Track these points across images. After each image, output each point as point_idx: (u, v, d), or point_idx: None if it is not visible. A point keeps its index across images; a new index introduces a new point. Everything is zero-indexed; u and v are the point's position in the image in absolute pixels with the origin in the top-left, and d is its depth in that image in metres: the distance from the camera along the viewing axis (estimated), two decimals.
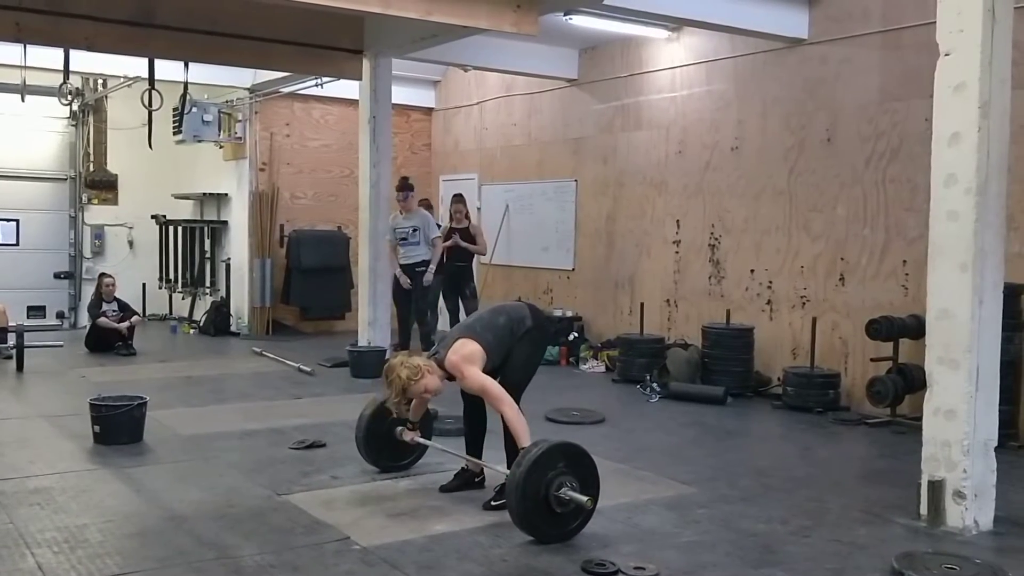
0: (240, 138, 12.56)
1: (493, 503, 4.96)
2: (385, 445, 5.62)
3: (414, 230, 9.91)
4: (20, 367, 9.34)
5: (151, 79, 9.20)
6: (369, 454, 5.68)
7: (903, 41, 7.74)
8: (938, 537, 4.67)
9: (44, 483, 5.37)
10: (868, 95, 8.05)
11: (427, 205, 11.20)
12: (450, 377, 5.03)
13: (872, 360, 7.73)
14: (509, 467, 5.02)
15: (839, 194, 8.29)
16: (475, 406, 5.34)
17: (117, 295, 11.19)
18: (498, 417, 4.93)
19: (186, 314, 13.63)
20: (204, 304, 13.33)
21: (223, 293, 13.08)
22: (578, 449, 4.65)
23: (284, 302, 12.69)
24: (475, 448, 5.40)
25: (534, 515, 4.43)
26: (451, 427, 6.53)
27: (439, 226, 10.57)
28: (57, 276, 13.46)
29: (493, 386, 4.87)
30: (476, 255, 10.88)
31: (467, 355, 4.94)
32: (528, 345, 5.21)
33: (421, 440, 5.56)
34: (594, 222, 10.96)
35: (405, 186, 10.00)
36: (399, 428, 5.47)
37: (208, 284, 13.30)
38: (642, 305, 9.85)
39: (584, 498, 4.46)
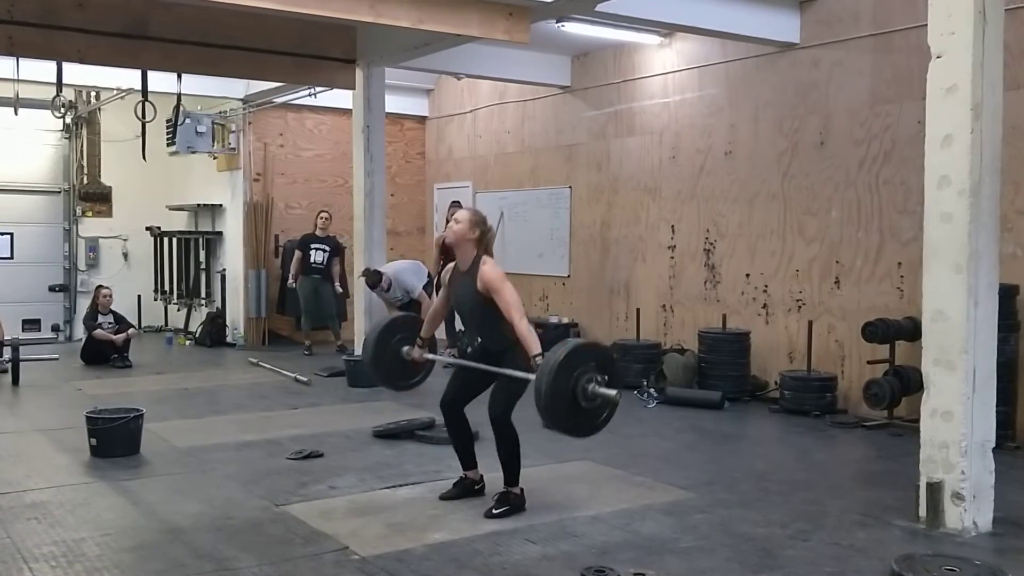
0: (234, 149, 12.56)
1: (495, 511, 4.95)
2: (395, 366, 5.55)
3: (405, 292, 9.99)
4: (16, 381, 9.31)
5: (144, 91, 9.19)
6: (379, 375, 5.65)
7: (894, 44, 7.77)
8: (937, 539, 4.67)
9: (41, 497, 5.35)
10: (860, 98, 8.08)
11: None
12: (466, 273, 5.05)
13: (868, 363, 7.73)
14: (506, 478, 5.04)
15: (833, 197, 8.31)
16: (457, 417, 5.29)
17: (112, 307, 11.17)
18: (487, 427, 4.92)
19: (182, 326, 13.61)
20: (199, 315, 13.30)
21: (218, 304, 13.04)
22: (603, 347, 4.70)
23: (280, 312, 12.68)
24: (468, 457, 5.38)
25: (562, 412, 4.45)
26: (444, 437, 6.51)
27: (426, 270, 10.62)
28: (52, 289, 13.44)
29: (513, 292, 4.86)
30: None
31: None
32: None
33: (430, 356, 5.52)
34: (588, 228, 10.97)
35: (375, 283, 9.73)
36: (406, 348, 5.45)
37: (203, 295, 13.26)
38: (638, 311, 9.86)
39: (612, 392, 4.48)
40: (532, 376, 4.53)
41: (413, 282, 10.14)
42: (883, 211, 7.91)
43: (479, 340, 5.22)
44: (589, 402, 4.47)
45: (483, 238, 5.08)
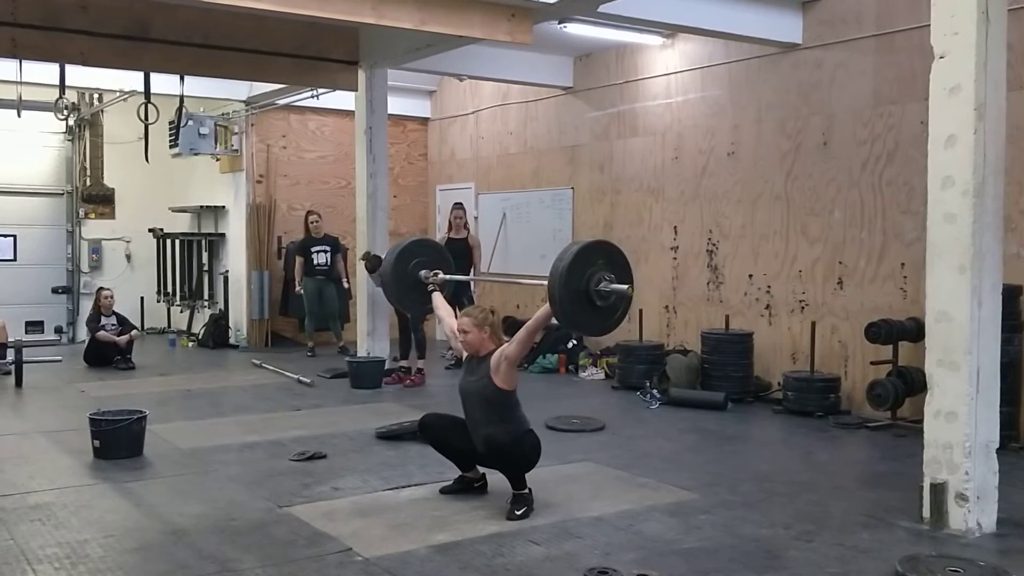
0: (236, 150, 12.56)
1: (517, 512, 4.97)
2: (413, 291, 5.86)
3: None
4: (19, 383, 9.32)
5: (147, 93, 9.21)
6: (398, 299, 6.01)
7: (897, 44, 7.77)
8: (941, 540, 4.66)
9: (44, 499, 5.36)
10: (863, 99, 8.07)
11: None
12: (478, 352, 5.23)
13: (872, 363, 7.72)
14: (513, 485, 5.04)
15: (836, 198, 8.30)
16: (437, 439, 5.47)
17: (116, 309, 11.18)
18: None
19: (184, 327, 13.63)
20: (202, 317, 13.32)
21: (221, 306, 13.06)
22: (609, 244, 4.86)
23: (283, 314, 12.69)
24: (467, 463, 5.43)
25: (580, 314, 4.60)
26: None
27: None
28: (55, 291, 13.45)
29: (516, 337, 5.03)
30: (473, 266, 10.72)
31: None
32: None
33: (446, 277, 5.80)
34: (591, 230, 10.95)
35: (375, 268, 9.17)
36: (423, 272, 5.76)
37: (206, 297, 13.28)
38: (641, 312, 9.84)
39: (624, 287, 4.57)
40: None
41: None
42: (886, 212, 7.90)
43: (485, 434, 5.09)
44: (604, 300, 4.58)
45: (494, 328, 5.23)
